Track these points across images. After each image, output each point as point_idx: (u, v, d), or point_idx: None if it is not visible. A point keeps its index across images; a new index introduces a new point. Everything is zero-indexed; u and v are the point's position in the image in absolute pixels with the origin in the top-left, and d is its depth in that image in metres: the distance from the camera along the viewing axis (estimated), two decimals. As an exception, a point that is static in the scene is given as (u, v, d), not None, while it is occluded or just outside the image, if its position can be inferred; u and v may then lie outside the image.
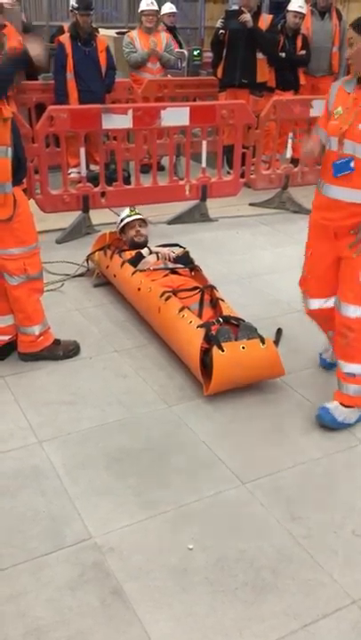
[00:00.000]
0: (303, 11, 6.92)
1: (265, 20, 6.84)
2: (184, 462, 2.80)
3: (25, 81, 6.73)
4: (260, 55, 6.78)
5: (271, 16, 7.17)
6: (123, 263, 4.14)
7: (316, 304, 3.15)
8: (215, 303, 3.62)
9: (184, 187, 5.92)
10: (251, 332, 3.26)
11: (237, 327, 3.31)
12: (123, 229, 4.44)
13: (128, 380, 3.41)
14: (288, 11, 6.90)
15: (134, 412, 3.14)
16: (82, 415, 3.10)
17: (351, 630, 2.07)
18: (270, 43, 6.73)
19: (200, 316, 3.44)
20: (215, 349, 3.10)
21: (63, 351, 3.57)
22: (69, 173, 5.69)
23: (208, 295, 3.65)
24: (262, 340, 3.21)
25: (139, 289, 3.85)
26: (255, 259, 5.13)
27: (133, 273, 3.98)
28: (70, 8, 6.47)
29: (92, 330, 3.92)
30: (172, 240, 4.58)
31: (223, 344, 3.11)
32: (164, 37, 7.24)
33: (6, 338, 3.53)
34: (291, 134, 6.22)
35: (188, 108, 5.68)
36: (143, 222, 4.44)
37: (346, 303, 2.92)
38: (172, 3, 8.56)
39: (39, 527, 2.42)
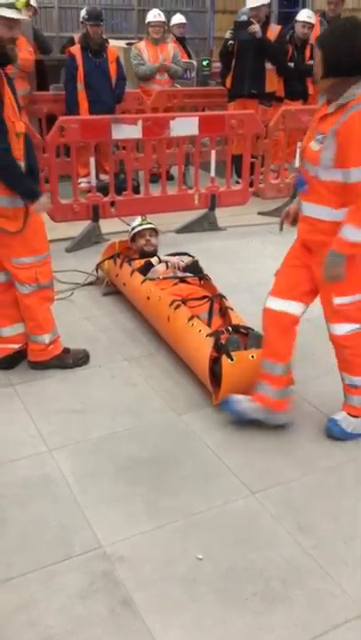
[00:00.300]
0: (312, 21, 6.95)
1: (273, 31, 6.89)
2: (193, 471, 2.80)
3: (36, 92, 6.82)
4: (268, 65, 6.82)
5: (280, 27, 7.22)
6: (132, 272, 4.16)
7: (271, 303, 3.00)
8: (224, 312, 3.63)
9: (193, 196, 5.95)
10: (260, 341, 3.25)
11: (247, 336, 3.31)
12: (133, 238, 4.47)
13: (137, 389, 3.42)
14: (297, 21, 6.94)
15: (143, 420, 3.14)
16: (91, 424, 3.11)
17: (361, 642, 2.06)
18: (279, 53, 6.77)
19: (209, 324, 3.45)
20: (224, 358, 3.10)
21: (73, 360, 3.58)
22: (79, 183, 5.73)
23: (217, 304, 3.66)
24: (271, 350, 3.20)
25: (148, 298, 3.87)
26: (264, 268, 5.10)
27: (143, 282, 4.00)
28: (81, 19, 6.55)
29: (101, 338, 3.94)
30: (182, 249, 4.60)
31: (233, 353, 3.12)
32: (171, 48, 7.29)
33: (16, 346, 3.55)
34: (299, 143, 6.24)
35: (197, 118, 5.73)
36: (154, 232, 4.46)
37: (331, 323, 2.93)
38: (181, 14, 8.63)
39: (49, 536, 2.43)
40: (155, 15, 7.15)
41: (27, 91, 6.37)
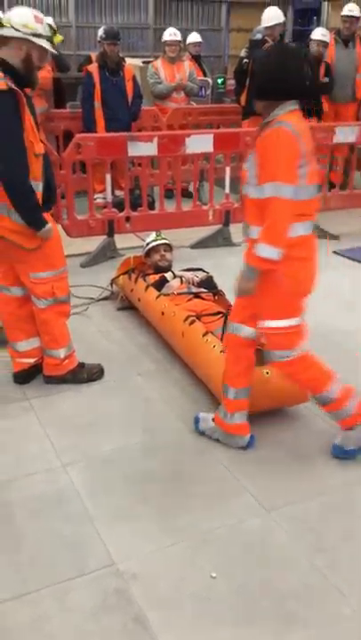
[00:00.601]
0: (326, 39, 7.01)
1: (288, 49, 6.94)
2: (207, 488, 2.79)
3: (54, 109, 6.93)
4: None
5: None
6: (147, 287, 4.18)
7: (229, 326, 3.05)
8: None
9: (207, 212, 5.98)
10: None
11: (261, 353, 3.30)
12: (148, 253, 4.50)
13: (151, 404, 3.42)
14: (311, 39, 7.00)
15: (157, 436, 3.14)
16: (105, 439, 3.11)
17: (377, 664, 2.03)
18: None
19: (223, 340, 3.45)
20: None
21: (87, 374, 3.60)
22: (95, 199, 5.79)
23: (232, 320, 3.66)
24: (286, 366, 3.20)
25: (163, 313, 3.88)
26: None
27: (157, 297, 4.01)
28: (98, 38, 6.64)
29: (115, 353, 3.95)
30: (196, 264, 4.62)
31: (247, 369, 3.11)
32: (187, 67, 7.37)
33: (32, 360, 3.58)
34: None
35: (211, 136, 5.77)
36: (168, 247, 4.49)
37: (268, 350, 2.93)
38: (197, 32, 8.73)
39: (63, 551, 2.43)
40: (171, 34, 7.24)
41: (44, 108, 6.47)
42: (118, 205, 5.67)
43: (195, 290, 4.10)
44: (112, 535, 2.51)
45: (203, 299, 4.00)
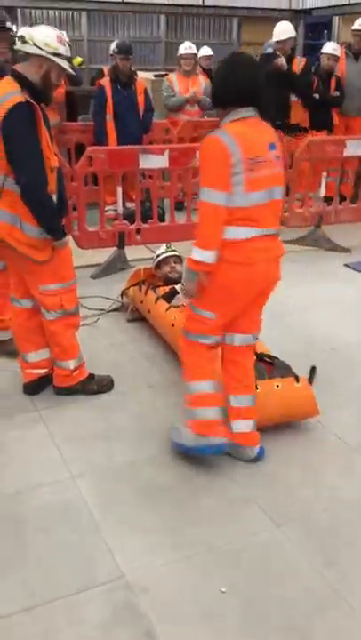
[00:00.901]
0: (337, 53, 7.04)
1: (299, 63, 6.98)
2: (217, 501, 2.78)
3: (66, 122, 6.99)
4: (293, 97, 6.89)
5: (305, 59, 7.32)
6: (157, 299, 4.19)
7: None
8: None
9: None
10: (285, 370, 3.25)
11: (271, 365, 3.30)
12: (158, 265, 4.51)
13: (161, 416, 3.41)
14: (322, 53, 7.04)
15: (167, 448, 3.13)
16: (115, 450, 3.11)
17: None
18: (304, 85, 6.85)
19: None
20: (249, 387, 3.09)
21: (97, 386, 3.60)
22: (106, 210, 5.82)
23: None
24: (297, 379, 3.20)
25: (173, 325, 3.88)
26: (287, 296, 5.10)
27: (168, 309, 4.02)
28: (110, 52, 6.71)
29: (125, 365, 3.96)
30: (206, 277, 4.62)
31: (257, 382, 3.11)
32: (202, 80, 7.41)
33: (41, 371, 3.59)
34: (325, 173, 6.28)
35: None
36: (178, 259, 4.50)
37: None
38: (208, 46, 8.81)
39: (72, 564, 2.42)
40: (186, 48, 7.29)
41: (57, 122, 6.52)
42: (129, 217, 5.70)
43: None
44: (121, 548, 2.50)
45: (213, 311, 3.99)
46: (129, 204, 6.13)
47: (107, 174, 5.52)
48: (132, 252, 5.60)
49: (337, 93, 7.11)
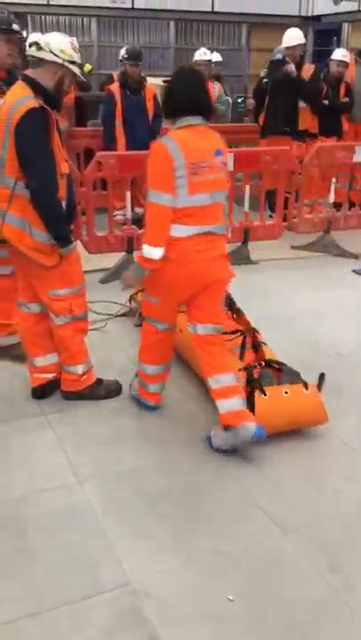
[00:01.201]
0: (347, 60, 7.04)
1: (308, 70, 6.98)
2: (223, 507, 2.76)
3: (75, 127, 7.02)
4: (302, 104, 6.90)
5: (313, 66, 7.32)
6: (165, 304, 4.19)
7: None
8: (257, 347, 3.61)
9: (226, 229, 5.97)
10: (294, 376, 3.24)
11: (280, 371, 3.29)
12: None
13: (168, 422, 3.40)
14: (332, 60, 7.03)
15: (174, 453, 3.13)
16: (122, 455, 3.10)
17: None
18: (313, 92, 6.85)
19: (241, 359, 3.44)
20: (257, 393, 3.08)
21: (105, 391, 3.60)
22: (115, 215, 5.83)
23: (250, 338, 3.65)
24: (305, 386, 3.18)
25: (180, 330, 3.87)
26: (297, 302, 5.12)
27: (176, 314, 4.01)
28: (120, 58, 6.74)
29: (134, 370, 3.94)
30: (215, 282, 4.61)
31: (266, 388, 3.09)
32: (216, 88, 7.41)
33: (49, 376, 3.59)
34: (334, 179, 6.27)
35: (232, 155, 5.79)
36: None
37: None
38: (217, 52, 8.83)
39: (78, 569, 2.41)
40: (201, 54, 7.30)
41: (66, 127, 6.54)
42: (137, 222, 5.69)
43: (213, 307, 4.08)
44: (127, 553, 2.49)
45: (221, 316, 3.99)
46: (137, 209, 6.14)
47: (116, 179, 5.53)
48: (140, 257, 5.59)
49: (346, 100, 7.10)
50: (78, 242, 4.86)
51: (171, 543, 2.55)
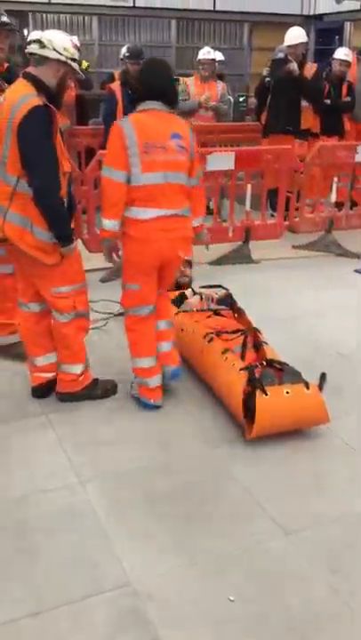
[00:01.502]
0: (349, 59, 7.03)
1: (310, 69, 6.97)
2: (225, 508, 2.76)
3: (76, 126, 7.01)
4: (304, 102, 6.88)
5: (315, 65, 7.31)
6: (166, 304, 4.18)
7: None
8: (259, 346, 3.60)
9: (228, 229, 5.98)
10: (295, 376, 3.23)
11: (281, 371, 3.28)
12: (167, 270, 4.51)
13: (169, 421, 3.40)
14: (334, 59, 7.02)
15: (175, 453, 3.12)
16: (122, 456, 3.09)
17: None
18: (315, 91, 6.84)
19: (243, 358, 3.43)
20: (259, 393, 3.07)
21: (102, 391, 3.59)
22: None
23: (251, 338, 3.64)
24: (307, 386, 3.17)
25: (182, 330, 3.87)
26: (298, 301, 5.11)
27: (176, 314, 4.00)
28: (121, 56, 6.72)
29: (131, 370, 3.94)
30: (215, 281, 4.60)
31: (267, 388, 3.09)
32: (220, 88, 7.38)
33: (50, 375, 3.57)
34: (336, 178, 6.26)
35: (233, 154, 5.79)
36: (188, 263, 4.48)
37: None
38: (219, 51, 8.81)
39: (79, 570, 2.40)
40: (205, 53, 7.26)
41: (67, 125, 6.54)
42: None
43: (214, 307, 4.08)
44: (128, 553, 2.48)
45: (222, 316, 3.99)
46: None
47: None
48: (141, 256, 5.58)
49: (348, 99, 7.09)
50: (79, 240, 4.85)
51: (171, 543, 2.54)
